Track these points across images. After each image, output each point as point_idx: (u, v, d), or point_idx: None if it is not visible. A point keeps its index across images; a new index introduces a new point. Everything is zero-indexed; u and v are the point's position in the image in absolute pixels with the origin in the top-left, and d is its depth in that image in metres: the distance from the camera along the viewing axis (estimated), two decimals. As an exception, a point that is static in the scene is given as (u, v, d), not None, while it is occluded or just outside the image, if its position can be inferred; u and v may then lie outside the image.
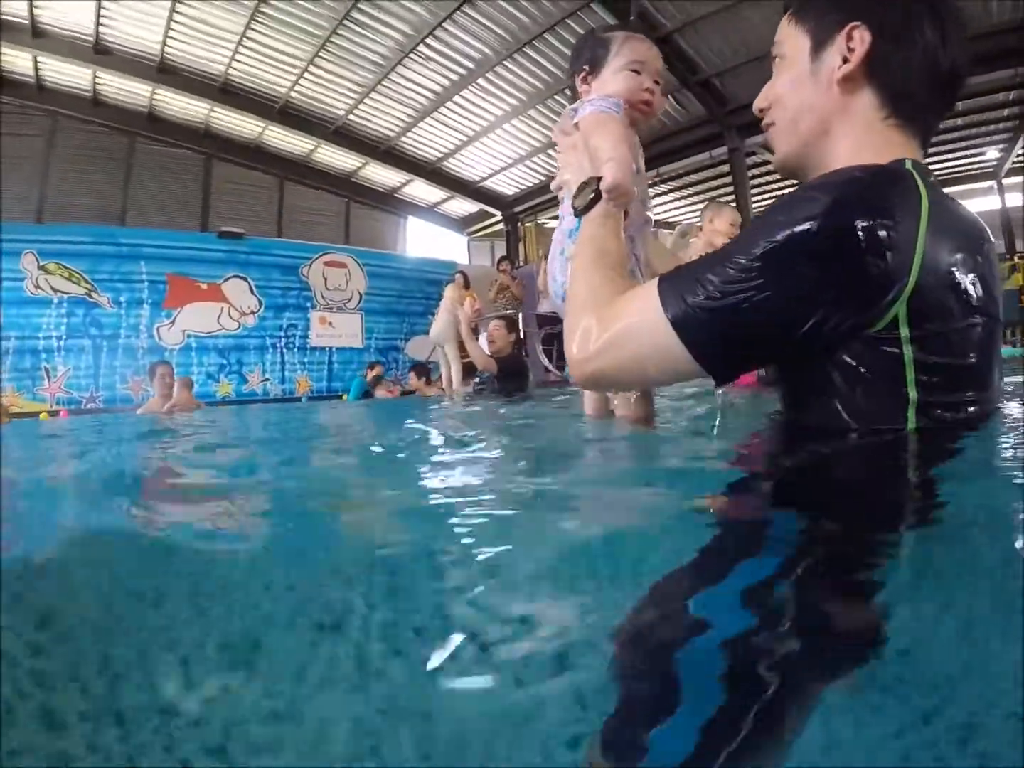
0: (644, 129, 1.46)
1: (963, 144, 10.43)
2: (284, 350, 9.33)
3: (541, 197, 12.00)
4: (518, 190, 12.40)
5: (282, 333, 9.33)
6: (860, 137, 0.88)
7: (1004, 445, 0.81)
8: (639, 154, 1.44)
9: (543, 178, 11.76)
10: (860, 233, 0.73)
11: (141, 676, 0.49)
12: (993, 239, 0.87)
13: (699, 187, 12.37)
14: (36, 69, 9.38)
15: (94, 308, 8.27)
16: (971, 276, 0.79)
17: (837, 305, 0.75)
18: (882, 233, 0.73)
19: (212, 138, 11.44)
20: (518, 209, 12.68)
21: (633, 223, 1.34)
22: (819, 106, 0.90)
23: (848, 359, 0.79)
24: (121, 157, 10.80)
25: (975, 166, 11.58)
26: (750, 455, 1.03)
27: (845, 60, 0.87)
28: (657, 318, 0.82)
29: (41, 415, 7.39)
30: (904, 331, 0.76)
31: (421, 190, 13.00)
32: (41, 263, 7.94)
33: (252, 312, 9.19)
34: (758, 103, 0.99)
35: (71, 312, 8.12)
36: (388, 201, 13.36)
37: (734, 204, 9.83)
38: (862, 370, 0.79)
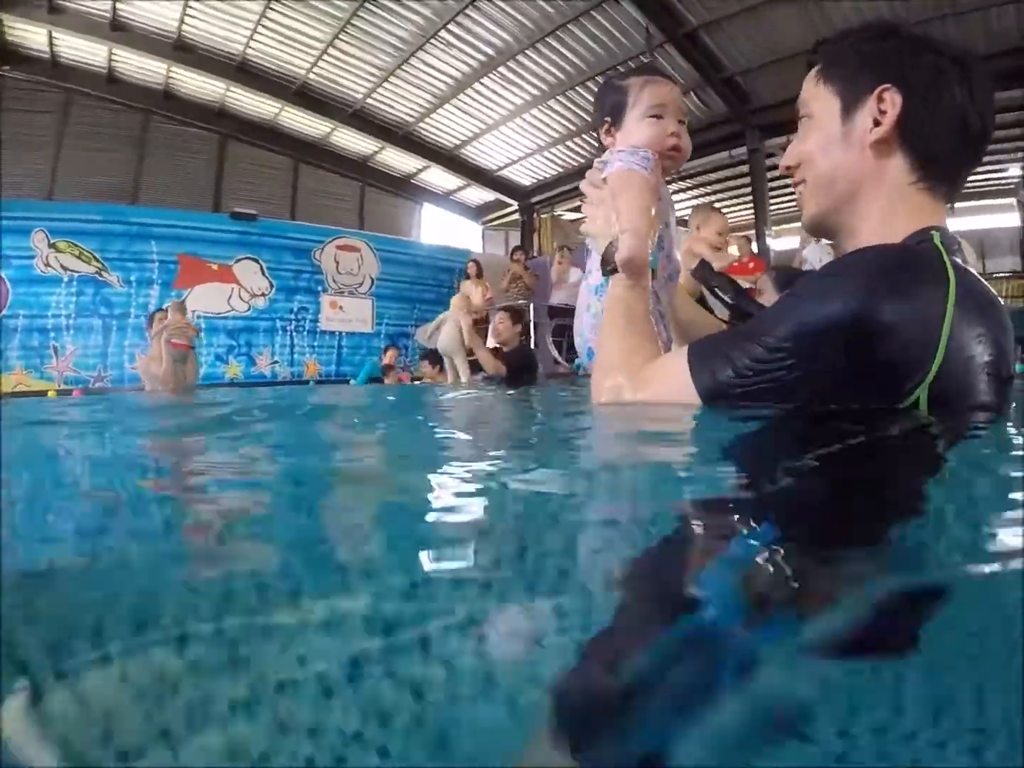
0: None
1: (985, 159, 10.26)
2: (294, 333, 9.27)
3: (558, 188, 11.99)
4: (535, 180, 12.37)
5: (292, 316, 9.27)
6: (890, 202, 0.88)
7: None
8: (670, 207, 1.42)
9: (561, 169, 11.77)
10: (887, 322, 0.75)
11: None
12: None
13: (717, 186, 12.30)
14: (51, 45, 9.35)
15: (104, 287, 8.21)
16: (992, 354, 0.80)
17: (861, 390, 0.78)
18: (909, 323, 0.75)
19: (227, 118, 11.42)
20: (534, 200, 12.65)
21: (658, 279, 1.30)
22: (851, 169, 0.90)
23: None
24: (135, 135, 10.77)
25: (996, 182, 11.46)
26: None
27: (876, 123, 0.87)
28: (687, 389, 0.88)
29: (49, 393, 7.35)
30: (924, 407, 0.78)
31: (438, 177, 12.95)
32: (51, 241, 7.88)
33: (263, 294, 9.12)
34: (786, 161, 0.99)
35: (81, 291, 8.07)
36: (404, 187, 13.33)
37: (751, 205, 9.88)
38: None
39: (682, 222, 12.69)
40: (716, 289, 2.83)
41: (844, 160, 0.90)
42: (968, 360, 0.78)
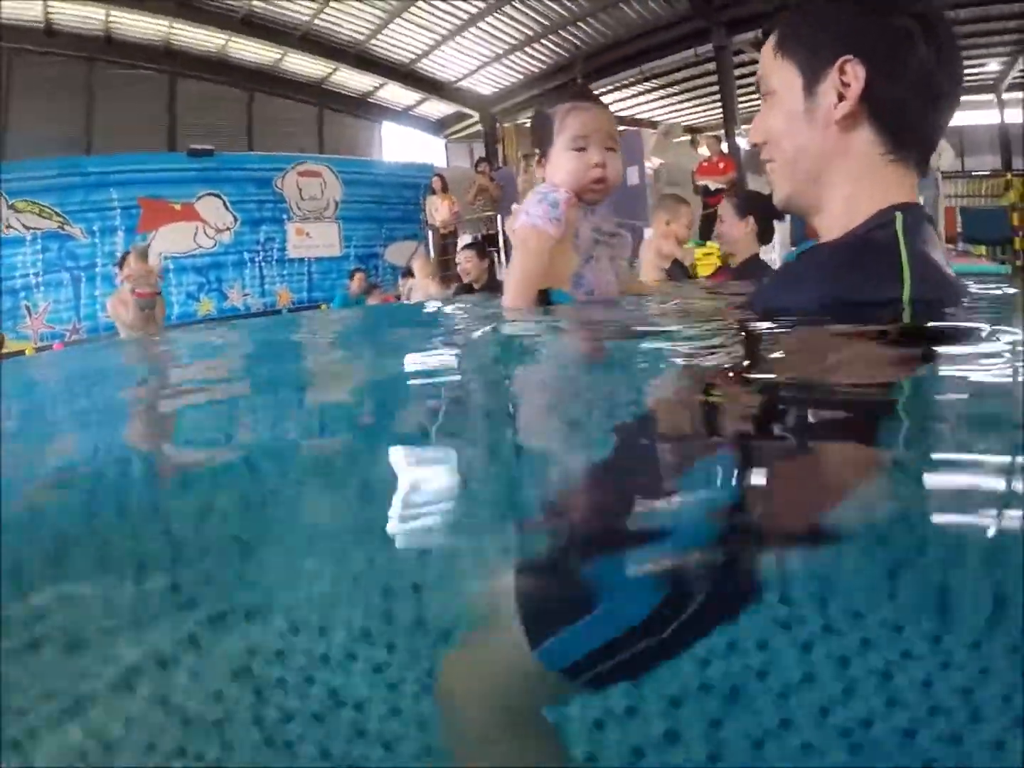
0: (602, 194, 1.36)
1: (964, 54, 9.91)
2: (263, 264, 9.18)
3: (520, 96, 11.69)
4: (496, 89, 12.04)
5: (259, 247, 9.17)
6: (859, 178, 0.84)
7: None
8: (596, 241, 1.37)
9: (521, 76, 11.47)
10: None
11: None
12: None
13: (684, 85, 12.01)
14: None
15: (68, 240, 8.12)
16: None
17: None
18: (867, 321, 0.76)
19: (174, 56, 11.06)
20: (496, 109, 12.32)
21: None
22: (817, 147, 0.85)
23: None
24: (81, 85, 10.49)
25: (975, 78, 10.99)
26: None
27: (841, 97, 0.82)
28: None
29: (27, 351, 7.32)
30: None
31: (395, 94, 12.68)
32: (9, 203, 7.75)
33: (228, 228, 9.01)
34: (752, 138, 0.96)
35: (45, 247, 7.99)
36: (362, 107, 13.08)
37: (720, 104, 9.65)
38: None
39: (651, 124, 12.61)
40: None
41: (810, 139, 0.85)
42: None
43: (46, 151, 9.16)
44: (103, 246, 8.27)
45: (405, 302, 6.67)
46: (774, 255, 4.37)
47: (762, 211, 2.76)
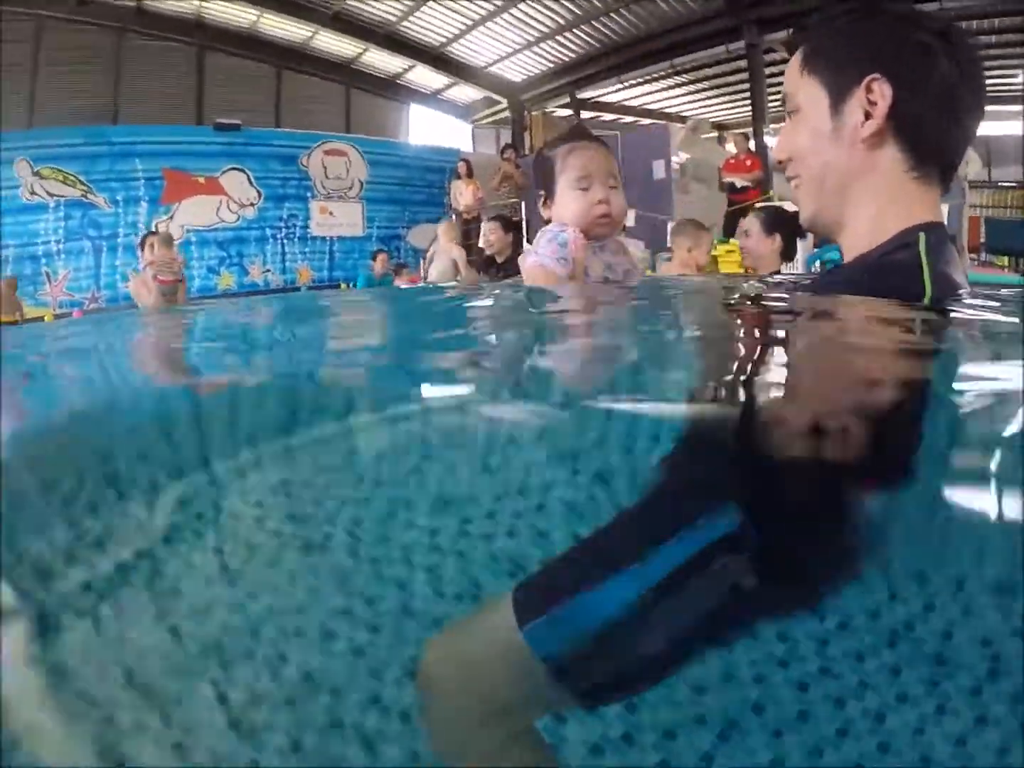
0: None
1: (991, 65, 9.75)
2: (284, 241, 9.20)
3: (549, 85, 11.64)
4: (526, 77, 11.96)
5: (282, 224, 9.19)
6: (883, 196, 0.84)
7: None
8: (610, 271, 1.41)
9: (552, 65, 11.39)
10: None
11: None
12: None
13: (714, 81, 11.92)
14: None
15: (91, 209, 8.16)
16: None
17: None
18: None
19: (204, 29, 11.01)
20: (525, 97, 12.25)
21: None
22: (843, 165, 0.85)
23: None
24: (110, 55, 10.44)
25: (1003, 88, 10.75)
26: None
27: (867, 115, 0.82)
28: None
29: (45, 318, 7.39)
30: None
31: (425, 76, 12.62)
32: (35, 169, 7.81)
33: (251, 204, 9.03)
34: (777, 154, 0.96)
35: (68, 215, 8.05)
36: (390, 88, 13.01)
37: (749, 102, 9.60)
38: None
39: (680, 118, 12.56)
40: None
41: (836, 157, 0.85)
42: None
43: (74, 120, 9.23)
44: (126, 216, 8.32)
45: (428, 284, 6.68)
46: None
47: (789, 229, 2.81)
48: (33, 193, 7.82)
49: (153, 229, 7.60)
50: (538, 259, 1.31)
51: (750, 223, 3.03)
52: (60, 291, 7.99)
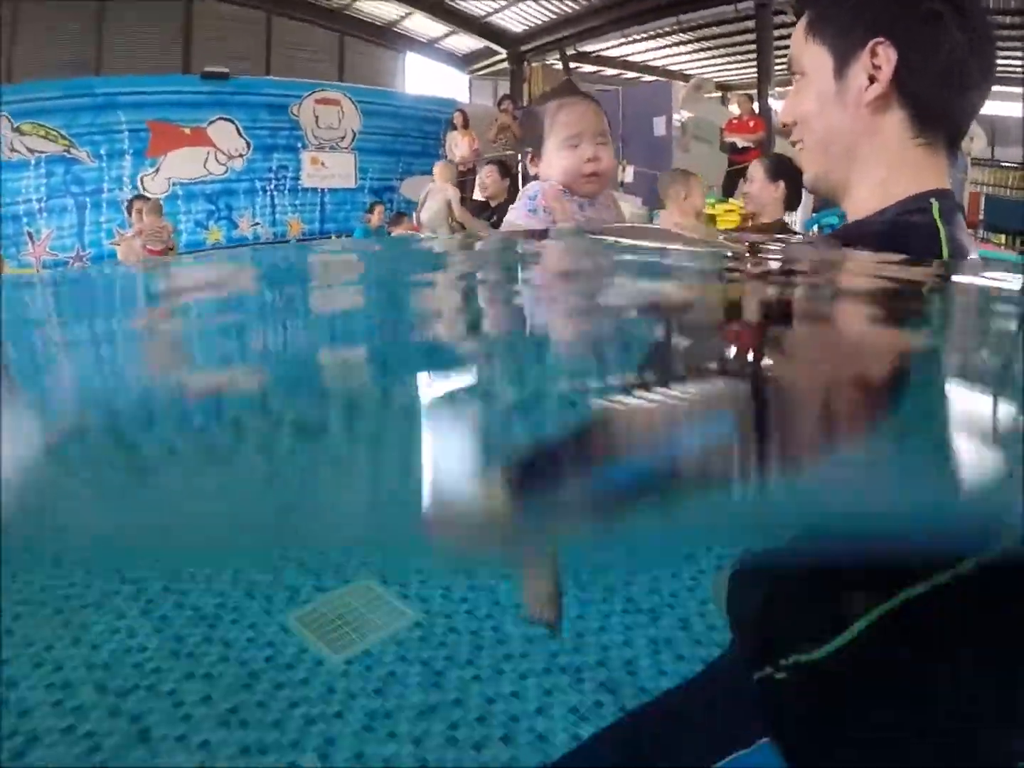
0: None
1: (1006, 44, 9.68)
2: (274, 192, 9.02)
3: (549, 36, 11.43)
4: (525, 27, 11.71)
5: (272, 175, 8.99)
6: (889, 161, 0.85)
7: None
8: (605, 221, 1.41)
9: (553, 15, 11.13)
10: None
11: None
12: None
13: (720, 40, 11.84)
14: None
15: (74, 164, 7.97)
16: None
17: None
18: None
19: (191, -26, 10.71)
20: (525, 48, 12.03)
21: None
22: (848, 129, 0.86)
23: None
24: (92, 4, 10.22)
25: (1007, 70, 10.60)
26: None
27: (872, 79, 0.81)
28: None
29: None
30: None
31: (421, 24, 12.40)
32: (15, 125, 7.58)
33: (240, 155, 8.82)
34: (783, 117, 0.96)
35: (50, 171, 7.85)
36: (385, 36, 12.81)
37: (755, 63, 9.46)
38: None
39: (684, 76, 12.41)
40: None
41: (840, 121, 0.86)
42: None
43: (55, 73, 8.99)
44: (110, 171, 8.13)
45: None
46: (795, 220, 4.43)
47: (794, 176, 2.80)
48: (13, 150, 7.61)
49: (140, 192, 7.49)
50: (515, 217, 1.32)
51: (755, 169, 3.04)
52: (43, 251, 7.85)
